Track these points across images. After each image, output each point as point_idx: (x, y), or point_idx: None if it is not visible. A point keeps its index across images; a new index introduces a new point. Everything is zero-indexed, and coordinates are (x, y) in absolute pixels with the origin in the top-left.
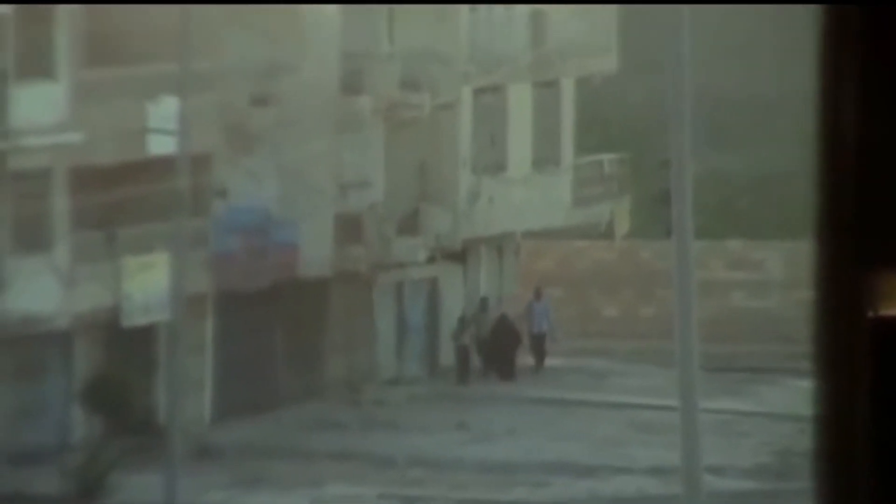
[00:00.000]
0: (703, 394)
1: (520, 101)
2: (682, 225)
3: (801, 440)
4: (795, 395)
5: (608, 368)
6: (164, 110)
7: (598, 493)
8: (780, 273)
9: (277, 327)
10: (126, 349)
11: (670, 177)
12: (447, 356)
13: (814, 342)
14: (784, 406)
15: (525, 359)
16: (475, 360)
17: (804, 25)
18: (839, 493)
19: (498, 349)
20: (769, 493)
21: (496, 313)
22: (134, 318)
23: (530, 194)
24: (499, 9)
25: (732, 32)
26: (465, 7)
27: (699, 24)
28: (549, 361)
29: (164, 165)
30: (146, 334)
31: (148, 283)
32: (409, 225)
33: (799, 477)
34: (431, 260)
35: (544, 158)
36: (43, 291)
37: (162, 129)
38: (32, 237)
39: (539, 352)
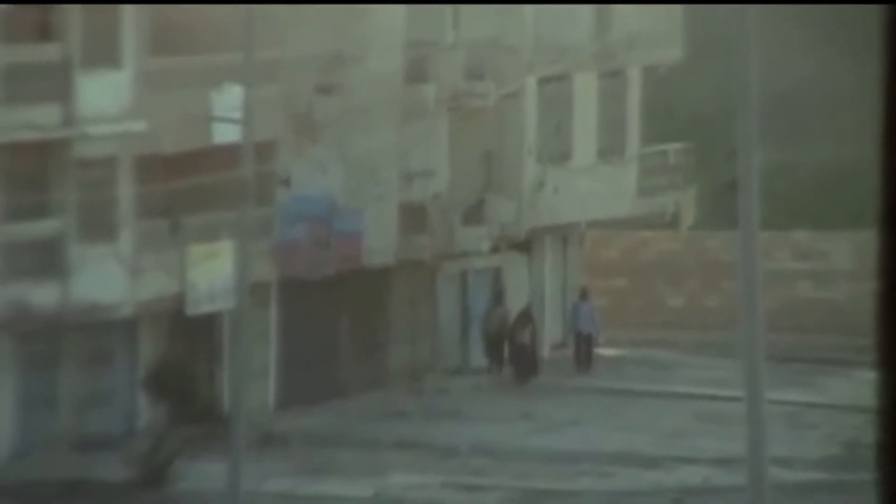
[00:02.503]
0: (769, 385)
1: (585, 90)
2: (749, 215)
3: (868, 432)
4: (862, 387)
5: (673, 359)
6: (229, 99)
7: (663, 484)
8: (846, 264)
9: (341, 316)
10: (190, 337)
11: (737, 167)
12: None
13: (877, 333)
14: (851, 397)
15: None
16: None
17: (875, 19)
18: None
19: (520, 344)
20: (836, 484)
21: (552, 304)
22: (198, 307)
23: (595, 184)
24: None
25: (803, 22)
26: None
27: (767, 13)
28: (615, 352)
29: (228, 154)
30: (210, 322)
31: (212, 272)
32: (474, 214)
33: (866, 469)
34: (496, 249)
35: (609, 148)
36: (108, 279)
37: (226, 117)
38: (98, 225)
39: (585, 353)
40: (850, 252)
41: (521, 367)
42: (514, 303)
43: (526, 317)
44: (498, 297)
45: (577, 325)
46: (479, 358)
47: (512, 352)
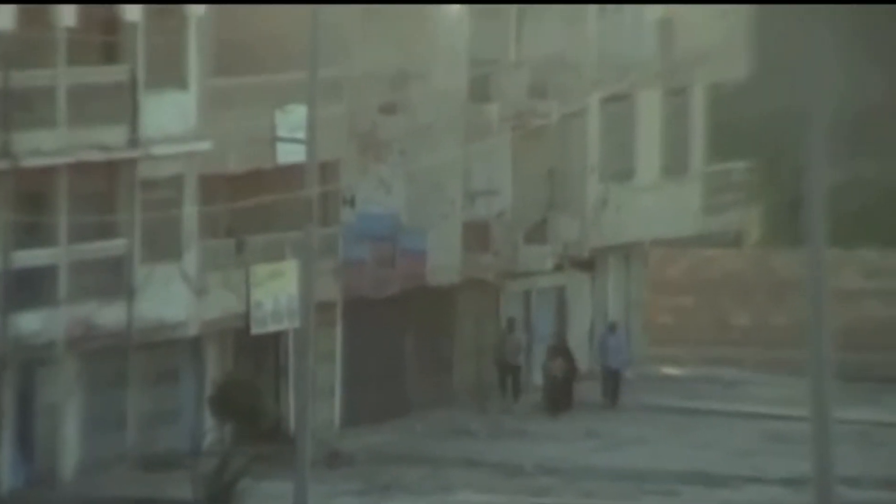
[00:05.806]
0: (837, 403)
1: (649, 108)
2: (814, 232)
3: None
4: None
5: (739, 377)
6: (293, 119)
7: (730, 502)
8: None
9: (406, 334)
10: (256, 356)
11: (803, 184)
12: (579, 363)
13: None
14: None
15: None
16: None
17: None
18: None
19: (551, 377)
20: None
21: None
22: (263, 326)
23: (659, 202)
24: (627, 15)
25: (874, 38)
26: (593, 13)
27: (838, 29)
28: (680, 371)
29: (292, 173)
30: (276, 341)
31: (277, 291)
32: (537, 233)
33: None
34: (559, 268)
35: (673, 166)
36: (173, 298)
37: (291, 137)
38: (163, 245)
39: (612, 388)
40: None
41: (551, 400)
42: (578, 321)
43: (559, 349)
44: (511, 324)
45: (605, 358)
46: (541, 376)
47: (544, 383)
